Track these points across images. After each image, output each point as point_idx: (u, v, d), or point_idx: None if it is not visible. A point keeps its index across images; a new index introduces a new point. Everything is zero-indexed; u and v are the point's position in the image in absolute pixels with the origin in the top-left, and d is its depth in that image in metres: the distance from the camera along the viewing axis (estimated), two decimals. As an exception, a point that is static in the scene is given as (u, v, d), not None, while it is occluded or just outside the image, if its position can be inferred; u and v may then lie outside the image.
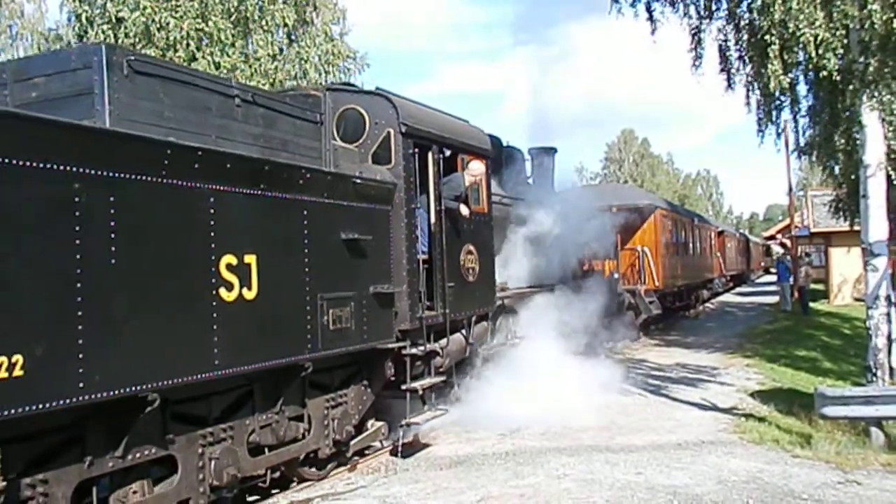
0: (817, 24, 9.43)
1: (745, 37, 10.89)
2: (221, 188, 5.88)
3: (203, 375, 5.69)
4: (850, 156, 11.58)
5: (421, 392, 8.82)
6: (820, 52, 9.55)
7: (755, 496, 7.18)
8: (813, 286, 32.34)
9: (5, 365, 4.28)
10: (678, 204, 37.03)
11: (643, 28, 11.62)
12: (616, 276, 17.59)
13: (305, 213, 6.86)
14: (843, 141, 11.40)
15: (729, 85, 11.50)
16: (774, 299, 34.65)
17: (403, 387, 8.55)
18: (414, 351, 8.58)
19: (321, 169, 7.41)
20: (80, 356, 4.72)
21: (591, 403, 11.31)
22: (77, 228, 4.75)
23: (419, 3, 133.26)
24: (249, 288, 6.07)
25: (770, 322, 26.75)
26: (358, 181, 7.73)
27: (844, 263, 31.14)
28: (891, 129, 10.50)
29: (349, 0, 35.98)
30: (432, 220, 9.14)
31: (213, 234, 5.79)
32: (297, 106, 7.48)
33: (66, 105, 5.36)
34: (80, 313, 4.73)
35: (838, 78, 10.04)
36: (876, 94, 9.94)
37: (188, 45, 20.17)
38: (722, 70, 11.47)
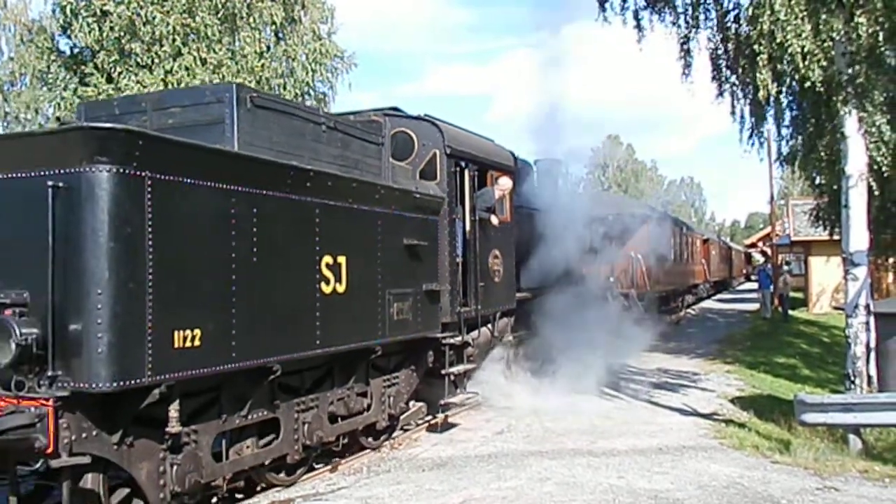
0: (804, 35, 10.09)
1: (733, 46, 11.72)
2: (324, 201, 7.76)
3: (309, 353, 7.59)
4: (832, 166, 12.28)
5: (453, 377, 10.77)
6: (806, 63, 10.17)
7: (735, 501, 7.67)
8: (792, 294, 34.41)
9: (189, 337, 6.05)
10: (665, 212, 39.59)
11: (629, 35, 12.48)
12: (612, 279, 19.67)
13: (379, 222, 8.80)
14: (825, 151, 12.01)
15: (720, 93, 12.35)
16: (755, 306, 36.80)
17: (443, 371, 10.51)
18: (453, 341, 10.54)
19: (392, 185, 9.37)
20: (233, 332, 6.53)
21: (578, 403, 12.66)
22: (232, 233, 6.57)
23: (408, 3, 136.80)
24: (340, 283, 7.98)
25: (750, 329, 28.43)
26: (417, 195, 9.72)
27: (824, 272, 33.13)
28: (872, 140, 10.91)
29: (337, -2, 36.77)
30: (467, 228, 11.12)
31: (317, 238, 7.68)
32: (363, 130, 9.38)
33: (199, 131, 7.05)
34: (233, 300, 6.54)
35: (822, 89, 10.68)
36: (859, 105, 10.61)
37: (174, 40, 21.28)
38: (714, 79, 12.35)
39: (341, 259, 7.95)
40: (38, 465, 5.56)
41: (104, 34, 21.43)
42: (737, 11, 11.71)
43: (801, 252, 40.82)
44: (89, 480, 5.88)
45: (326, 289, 7.74)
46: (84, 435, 5.67)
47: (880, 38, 10.06)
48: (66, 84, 22.49)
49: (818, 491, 8.04)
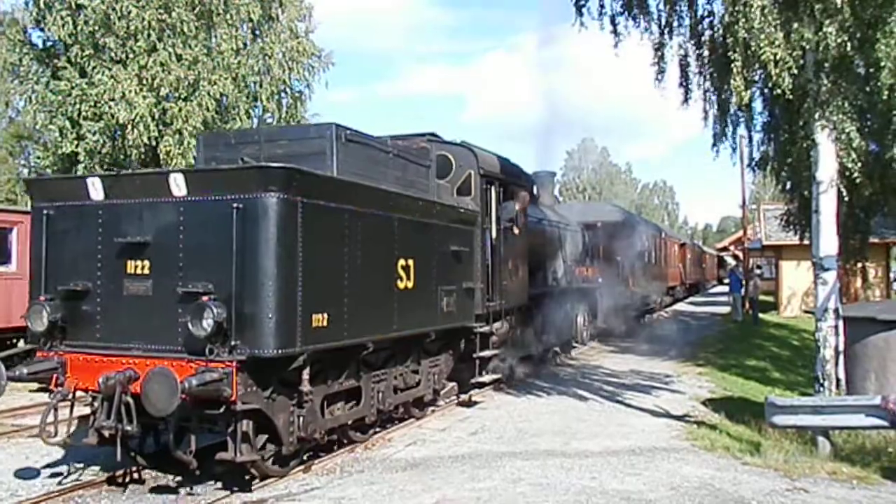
0: (776, 43, 10.94)
1: (707, 53, 12.92)
2: (399, 216, 10.99)
3: (389, 335, 10.83)
4: (803, 171, 13.48)
5: (480, 361, 14.22)
6: (777, 70, 10.98)
7: (706, 502, 8.39)
8: (763, 298, 37.55)
9: (321, 319, 9.18)
10: (647, 220, 44.85)
11: (605, 40, 14.36)
12: (600, 280, 23.27)
13: (434, 231, 12.08)
14: (796, 157, 13.44)
15: (686, 99, 13.47)
16: (726, 309, 40.31)
17: (474, 355, 13.97)
18: (482, 330, 13.99)
19: (444, 202, 12.76)
20: (345, 317, 9.69)
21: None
22: (345, 241, 9.72)
23: (387, 2, 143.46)
24: (410, 281, 11.27)
25: (722, 332, 31.35)
26: (461, 210, 13.14)
27: (794, 276, 36.51)
28: (842, 147, 11.86)
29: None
30: (493, 236, 14.56)
31: (395, 244, 10.93)
32: (416, 155, 12.67)
33: (305, 160, 9.88)
34: (345, 291, 9.71)
35: (793, 97, 11.69)
36: (828, 113, 11.61)
37: (149, 35, 23.17)
38: (681, 84, 13.52)
39: (410, 262, 11.29)
40: (220, 410, 8.54)
41: (78, 28, 23.25)
42: (711, 18, 12.92)
43: (772, 256, 44.64)
44: (244, 425, 8.86)
45: (401, 285, 11.06)
46: (249, 390, 8.68)
47: (849, 47, 11.17)
48: (38, 78, 24.32)
49: (788, 492, 8.92)
